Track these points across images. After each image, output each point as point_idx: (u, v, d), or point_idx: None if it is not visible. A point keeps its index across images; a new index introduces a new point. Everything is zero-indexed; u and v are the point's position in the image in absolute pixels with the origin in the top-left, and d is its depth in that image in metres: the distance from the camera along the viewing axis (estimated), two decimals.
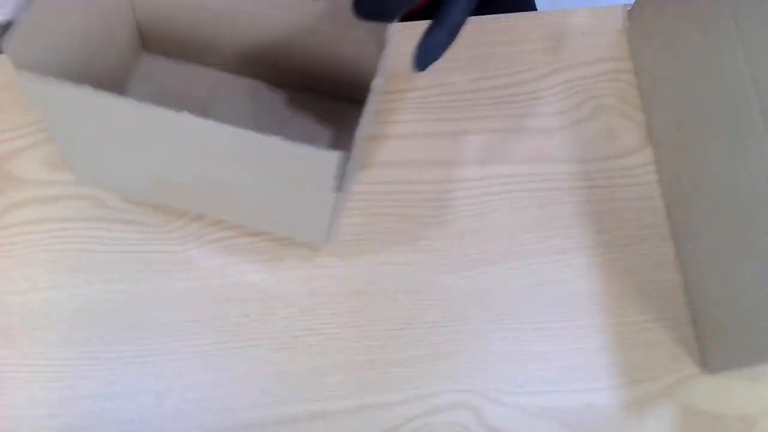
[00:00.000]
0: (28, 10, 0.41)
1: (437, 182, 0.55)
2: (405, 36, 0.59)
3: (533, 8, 0.74)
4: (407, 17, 0.64)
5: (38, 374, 0.50)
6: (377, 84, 0.43)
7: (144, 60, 0.57)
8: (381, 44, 0.45)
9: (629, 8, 0.59)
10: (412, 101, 0.58)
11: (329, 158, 0.39)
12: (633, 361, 0.51)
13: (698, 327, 0.52)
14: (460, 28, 0.40)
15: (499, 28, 0.59)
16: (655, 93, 0.56)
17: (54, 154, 0.54)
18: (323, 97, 0.56)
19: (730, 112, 0.45)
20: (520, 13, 0.60)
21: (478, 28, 0.59)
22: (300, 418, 0.49)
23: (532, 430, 0.50)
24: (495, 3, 0.62)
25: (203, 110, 0.55)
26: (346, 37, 0.50)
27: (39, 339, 0.50)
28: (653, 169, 0.56)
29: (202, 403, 0.49)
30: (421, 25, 0.60)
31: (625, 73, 0.59)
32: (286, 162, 0.41)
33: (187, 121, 0.39)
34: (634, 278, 0.53)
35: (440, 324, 0.52)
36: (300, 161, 0.40)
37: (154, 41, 0.56)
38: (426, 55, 0.40)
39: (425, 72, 0.44)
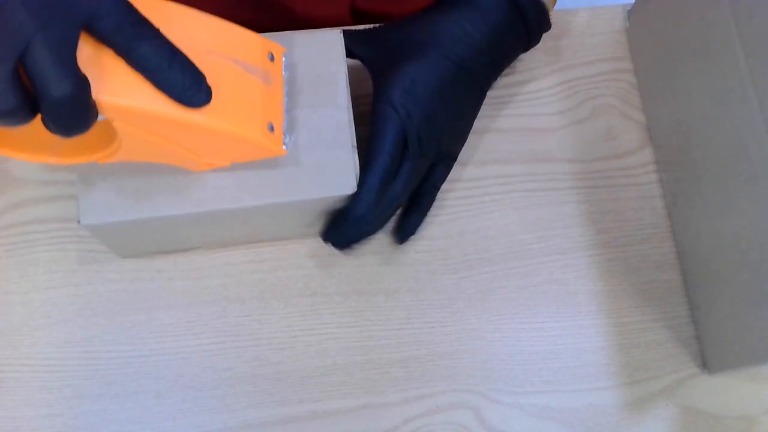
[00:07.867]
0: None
1: None
2: None
3: None
4: None
5: (38, 374, 0.50)
6: None
7: None
8: None
9: (629, 8, 0.59)
10: None
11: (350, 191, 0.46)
12: (633, 361, 0.51)
13: (698, 327, 0.52)
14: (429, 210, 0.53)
15: None
16: (655, 93, 0.56)
17: None
18: None
19: (730, 112, 0.45)
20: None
21: None
22: (300, 418, 0.49)
23: (532, 430, 0.50)
24: None
25: None
26: None
27: (39, 339, 0.50)
28: (653, 169, 0.56)
29: (202, 403, 0.49)
30: None
31: (625, 73, 0.59)
32: (314, 204, 0.48)
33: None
34: (634, 278, 0.53)
35: (440, 324, 0.52)
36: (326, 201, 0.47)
37: None
38: (407, 234, 0.52)
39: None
